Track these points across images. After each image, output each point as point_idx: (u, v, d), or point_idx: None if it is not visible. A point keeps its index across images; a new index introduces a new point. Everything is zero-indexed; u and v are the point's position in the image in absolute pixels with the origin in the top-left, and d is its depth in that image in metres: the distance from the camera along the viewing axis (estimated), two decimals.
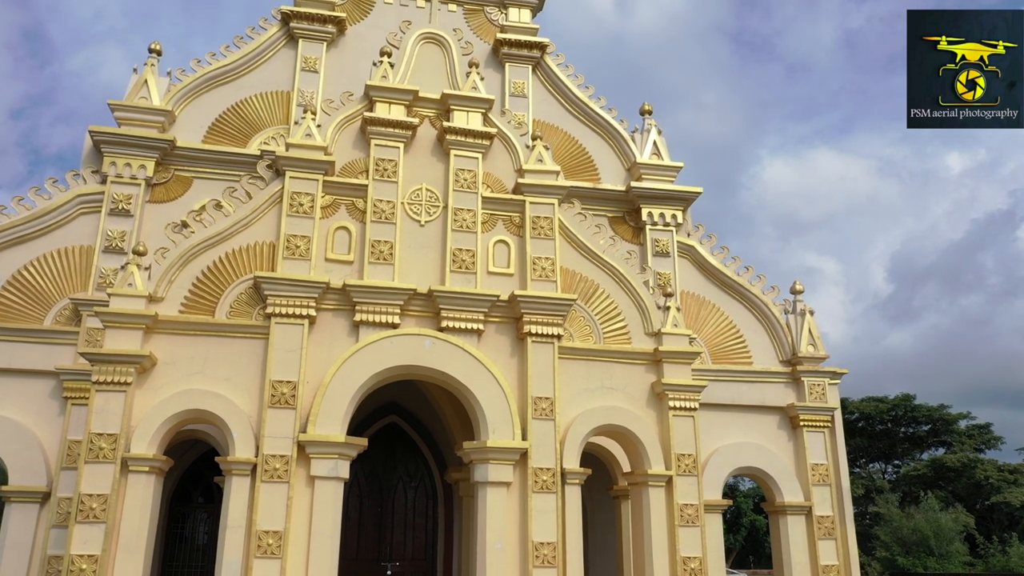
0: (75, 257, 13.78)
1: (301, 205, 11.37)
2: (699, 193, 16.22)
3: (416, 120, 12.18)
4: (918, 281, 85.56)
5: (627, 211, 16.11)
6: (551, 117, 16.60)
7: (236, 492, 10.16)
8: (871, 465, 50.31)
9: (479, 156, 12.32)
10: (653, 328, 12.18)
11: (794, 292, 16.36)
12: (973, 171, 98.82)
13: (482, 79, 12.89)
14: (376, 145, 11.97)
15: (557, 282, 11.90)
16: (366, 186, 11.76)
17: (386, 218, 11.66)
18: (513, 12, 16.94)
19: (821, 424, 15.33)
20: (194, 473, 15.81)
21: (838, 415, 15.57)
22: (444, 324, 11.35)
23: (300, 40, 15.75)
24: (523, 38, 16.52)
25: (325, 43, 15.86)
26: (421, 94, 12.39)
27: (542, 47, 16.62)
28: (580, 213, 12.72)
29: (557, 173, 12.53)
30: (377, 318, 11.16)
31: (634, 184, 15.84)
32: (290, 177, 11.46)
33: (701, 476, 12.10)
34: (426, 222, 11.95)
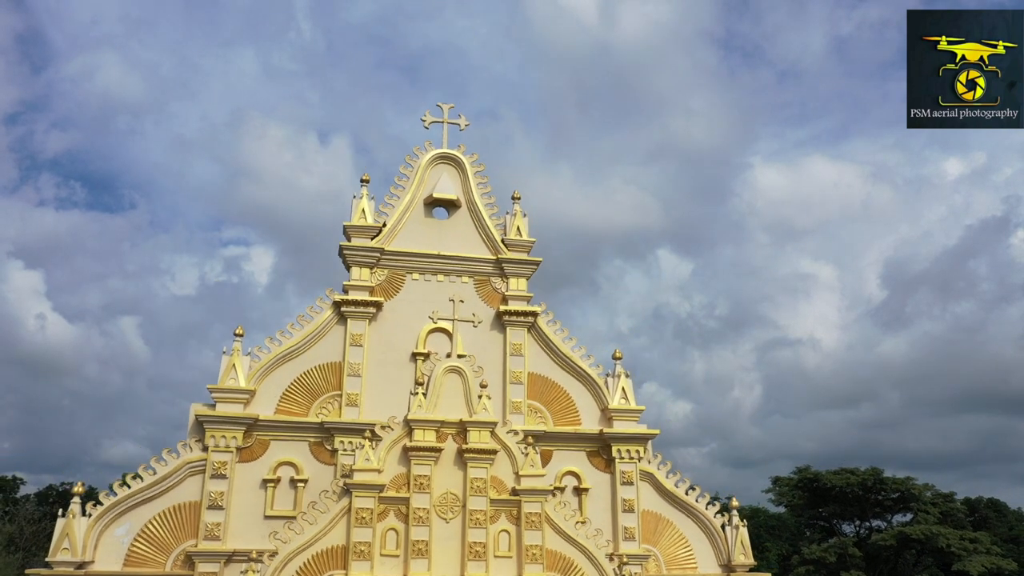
0: (186, 512, 18.67)
1: (364, 519, 16.19)
2: (657, 434, 21.07)
3: (443, 445, 16.99)
4: (911, 287, 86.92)
5: (601, 446, 20.94)
6: (543, 369, 21.41)
7: None
8: (844, 525, 54.98)
9: (487, 466, 17.12)
10: None
11: (731, 508, 21.24)
12: (968, 177, 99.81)
13: (490, 398, 17.66)
14: (415, 464, 16.78)
15: (543, 563, 16.71)
16: (408, 498, 16.56)
17: (422, 522, 16.47)
18: (513, 282, 21.71)
19: None
20: None
21: None
22: None
23: (349, 320, 20.50)
24: (520, 308, 21.28)
25: (367, 320, 20.62)
26: (446, 420, 17.18)
27: (535, 314, 21.36)
28: (561, 502, 17.53)
29: (544, 476, 17.34)
30: None
31: (606, 430, 20.67)
32: (355, 496, 16.27)
33: None
34: (450, 519, 16.76)
